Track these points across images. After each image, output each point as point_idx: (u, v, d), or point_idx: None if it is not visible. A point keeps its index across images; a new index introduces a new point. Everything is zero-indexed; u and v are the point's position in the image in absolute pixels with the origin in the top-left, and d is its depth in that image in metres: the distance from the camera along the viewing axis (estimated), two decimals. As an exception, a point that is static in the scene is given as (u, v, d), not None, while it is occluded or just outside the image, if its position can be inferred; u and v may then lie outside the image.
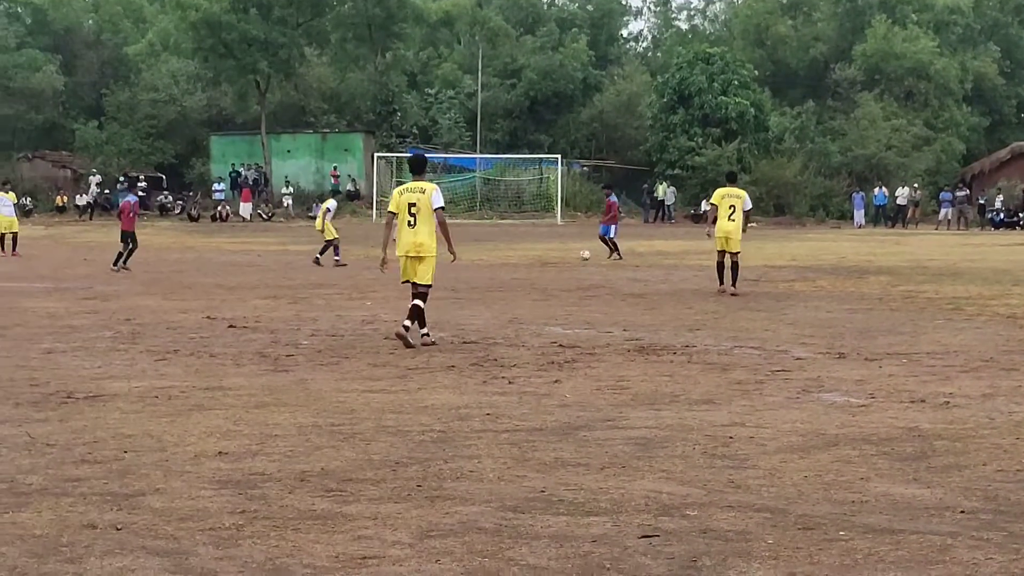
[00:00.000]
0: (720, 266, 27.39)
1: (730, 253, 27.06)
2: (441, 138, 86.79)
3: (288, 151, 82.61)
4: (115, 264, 34.35)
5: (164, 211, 79.40)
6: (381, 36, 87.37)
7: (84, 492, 9.03)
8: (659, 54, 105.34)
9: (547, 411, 12.44)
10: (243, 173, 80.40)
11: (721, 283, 27.36)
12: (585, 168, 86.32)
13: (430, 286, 18.21)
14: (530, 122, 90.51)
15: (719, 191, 27.81)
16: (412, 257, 17.96)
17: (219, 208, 75.09)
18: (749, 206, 27.43)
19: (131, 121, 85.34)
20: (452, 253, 18.56)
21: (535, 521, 8.25)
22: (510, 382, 14.45)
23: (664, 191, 78.73)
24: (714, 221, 27.48)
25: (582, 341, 18.48)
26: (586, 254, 39.75)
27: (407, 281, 18.23)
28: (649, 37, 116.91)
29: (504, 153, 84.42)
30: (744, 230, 27.23)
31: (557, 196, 76.52)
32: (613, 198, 42.43)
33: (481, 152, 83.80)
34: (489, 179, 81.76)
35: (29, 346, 17.73)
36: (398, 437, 11.08)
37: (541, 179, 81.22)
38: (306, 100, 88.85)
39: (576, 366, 15.85)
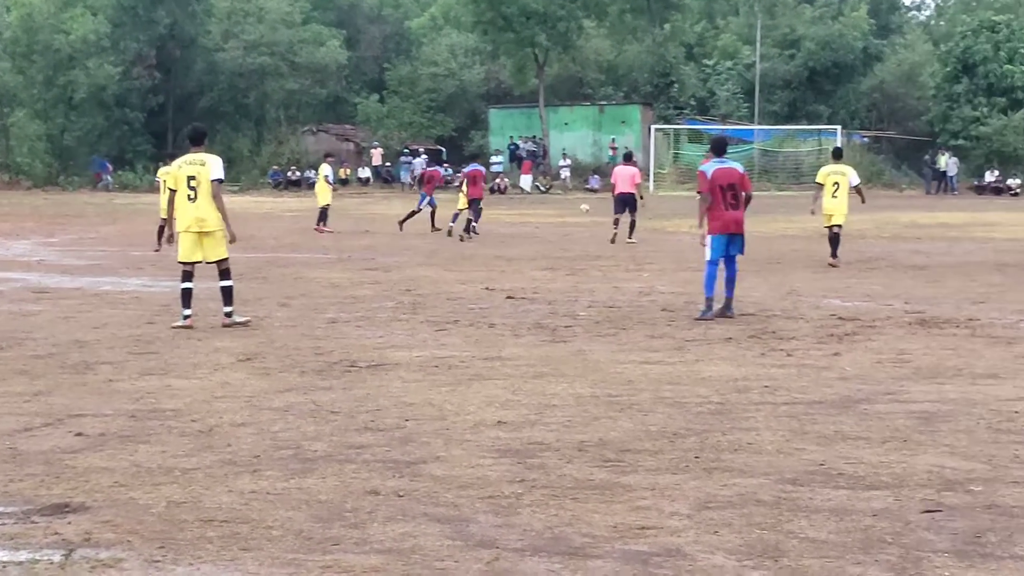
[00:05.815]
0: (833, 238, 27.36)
1: (836, 227, 27.36)
2: (719, 109, 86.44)
3: (566, 123, 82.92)
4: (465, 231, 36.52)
5: (444, 183, 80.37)
6: (659, 7, 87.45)
7: (367, 459, 9.23)
8: (942, 23, 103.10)
9: (826, 384, 12.30)
10: (521, 146, 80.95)
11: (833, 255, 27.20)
12: (865, 139, 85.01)
13: None
14: (809, 93, 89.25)
15: (823, 170, 28.51)
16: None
17: (497, 180, 75.65)
18: (856, 181, 27.72)
19: (412, 95, 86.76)
20: None
21: (814, 494, 8.18)
22: (788, 355, 14.32)
23: (945, 162, 76.95)
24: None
25: (862, 314, 18.21)
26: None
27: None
28: (932, 5, 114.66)
29: (783, 124, 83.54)
30: (863, 201, 28.88)
31: (836, 168, 75.29)
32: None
33: (759, 123, 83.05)
34: (768, 151, 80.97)
35: (314, 316, 18.15)
36: (675, 408, 11.07)
37: (820, 150, 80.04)
38: (584, 72, 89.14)
39: (856, 339, 15.62)
